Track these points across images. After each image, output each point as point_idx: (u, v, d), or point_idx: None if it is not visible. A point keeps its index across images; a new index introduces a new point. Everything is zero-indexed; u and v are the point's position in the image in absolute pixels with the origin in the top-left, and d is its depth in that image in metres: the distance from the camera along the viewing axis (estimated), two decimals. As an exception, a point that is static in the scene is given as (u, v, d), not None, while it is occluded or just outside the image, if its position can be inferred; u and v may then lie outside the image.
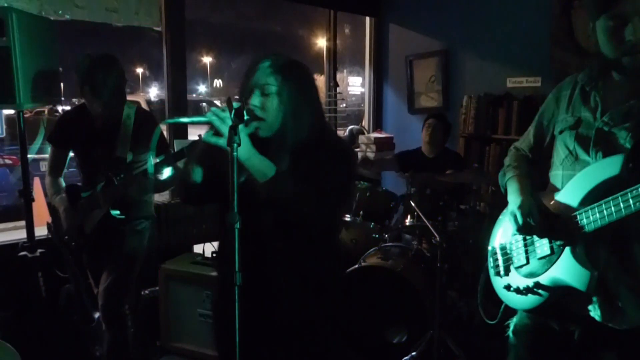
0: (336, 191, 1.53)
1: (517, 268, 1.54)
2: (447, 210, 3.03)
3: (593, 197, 1.34)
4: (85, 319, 2.55)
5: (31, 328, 2.58)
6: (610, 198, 1.29)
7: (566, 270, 1.37)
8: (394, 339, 2.87)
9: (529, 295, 1.46)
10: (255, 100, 1.48)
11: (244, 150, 1.38)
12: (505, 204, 1.61)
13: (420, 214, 2.92)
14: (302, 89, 1.54)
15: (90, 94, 2.25)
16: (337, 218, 1.66)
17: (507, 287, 1.54)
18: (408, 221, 3.16)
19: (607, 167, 1.32)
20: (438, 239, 2.77)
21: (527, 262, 1.51)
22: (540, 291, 1.44)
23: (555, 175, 1.52)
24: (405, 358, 2.74)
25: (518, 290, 1.49)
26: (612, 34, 1.35)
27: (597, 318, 1.35)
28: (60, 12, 3.01)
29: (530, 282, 1.46)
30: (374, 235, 3.36)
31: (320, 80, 5.33)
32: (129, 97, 2.46)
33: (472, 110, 4.05)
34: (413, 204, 3.01)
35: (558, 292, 1.40)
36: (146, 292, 3.05)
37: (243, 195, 1.33)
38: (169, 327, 2.98)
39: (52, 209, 2.44)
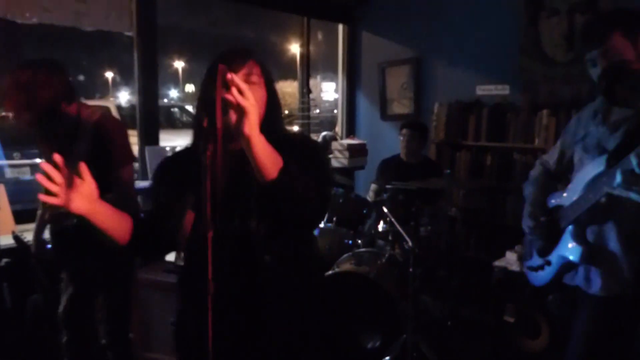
0: (325, 184, 1.41)
1: (537, 250, 1.86)
2: (419, 216, 3.06)
3: (587, 190, 1.65)
4: (54, 331, 2.48)
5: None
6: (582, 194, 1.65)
7: (565, 247, 1.70)
8: (368, 344, 2.88)
9: (543, 271, 1.80)
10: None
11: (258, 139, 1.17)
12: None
13: (392, 219, 2.94)
14: (272, 78, 1.42)
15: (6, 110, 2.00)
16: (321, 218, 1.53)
17: (530, 268, 1.88)
18: (381, 227, 3.19)
19: (595, 166, 1.63)
20: (410, 244, 2.80)
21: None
22: (548, 267, 1.77)
23: (573, 176, 1.83)
24: (379, 363, 2.75)
25: (536, 268, 1.82)
26: (590, 71, 1.69)
27: (580, 285, 1.69)
28: (27, 14, 2.94)
29: (542, 260, 1.81)
30: (347, 241, 3.37)
31: (293, 87, 5.32)
32: (99, 102, 2.39)
33: (443, 117, 4.11)
34: (385, 210, 3.03)
35: (563, 266, 1.72)
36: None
37: (227, 204, 1.29)
38: (142, 337, 2.92)
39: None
